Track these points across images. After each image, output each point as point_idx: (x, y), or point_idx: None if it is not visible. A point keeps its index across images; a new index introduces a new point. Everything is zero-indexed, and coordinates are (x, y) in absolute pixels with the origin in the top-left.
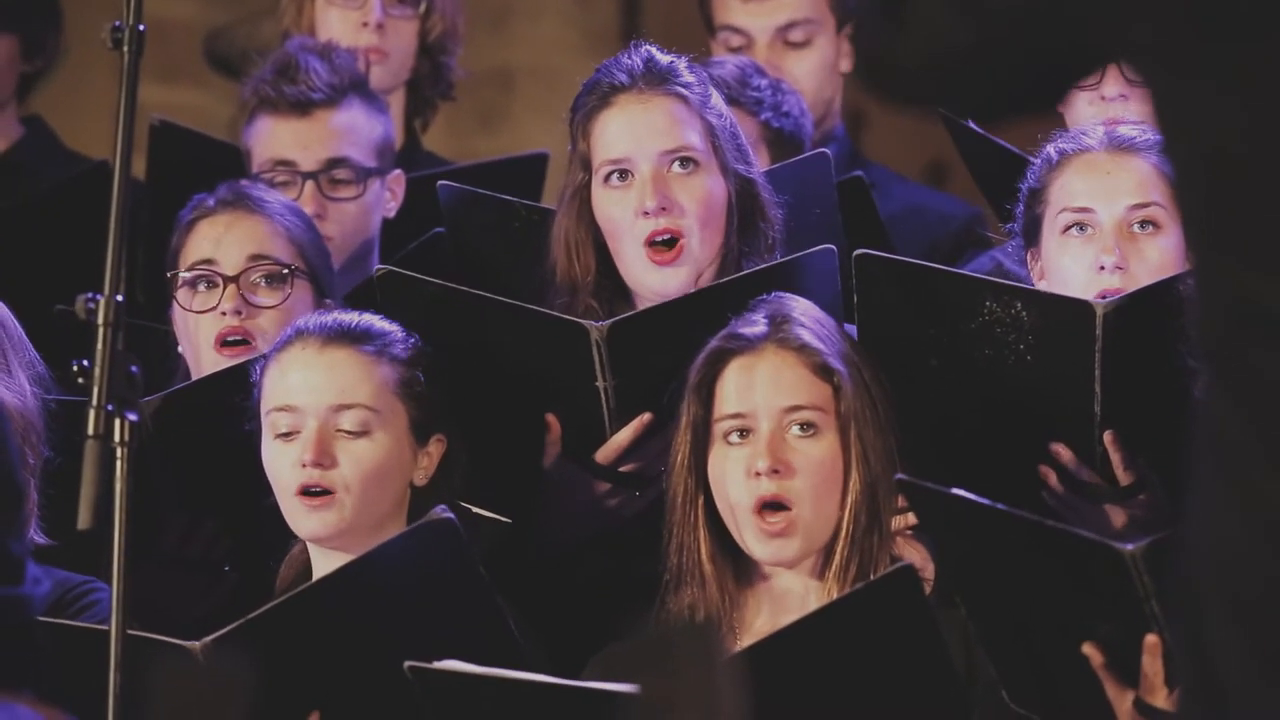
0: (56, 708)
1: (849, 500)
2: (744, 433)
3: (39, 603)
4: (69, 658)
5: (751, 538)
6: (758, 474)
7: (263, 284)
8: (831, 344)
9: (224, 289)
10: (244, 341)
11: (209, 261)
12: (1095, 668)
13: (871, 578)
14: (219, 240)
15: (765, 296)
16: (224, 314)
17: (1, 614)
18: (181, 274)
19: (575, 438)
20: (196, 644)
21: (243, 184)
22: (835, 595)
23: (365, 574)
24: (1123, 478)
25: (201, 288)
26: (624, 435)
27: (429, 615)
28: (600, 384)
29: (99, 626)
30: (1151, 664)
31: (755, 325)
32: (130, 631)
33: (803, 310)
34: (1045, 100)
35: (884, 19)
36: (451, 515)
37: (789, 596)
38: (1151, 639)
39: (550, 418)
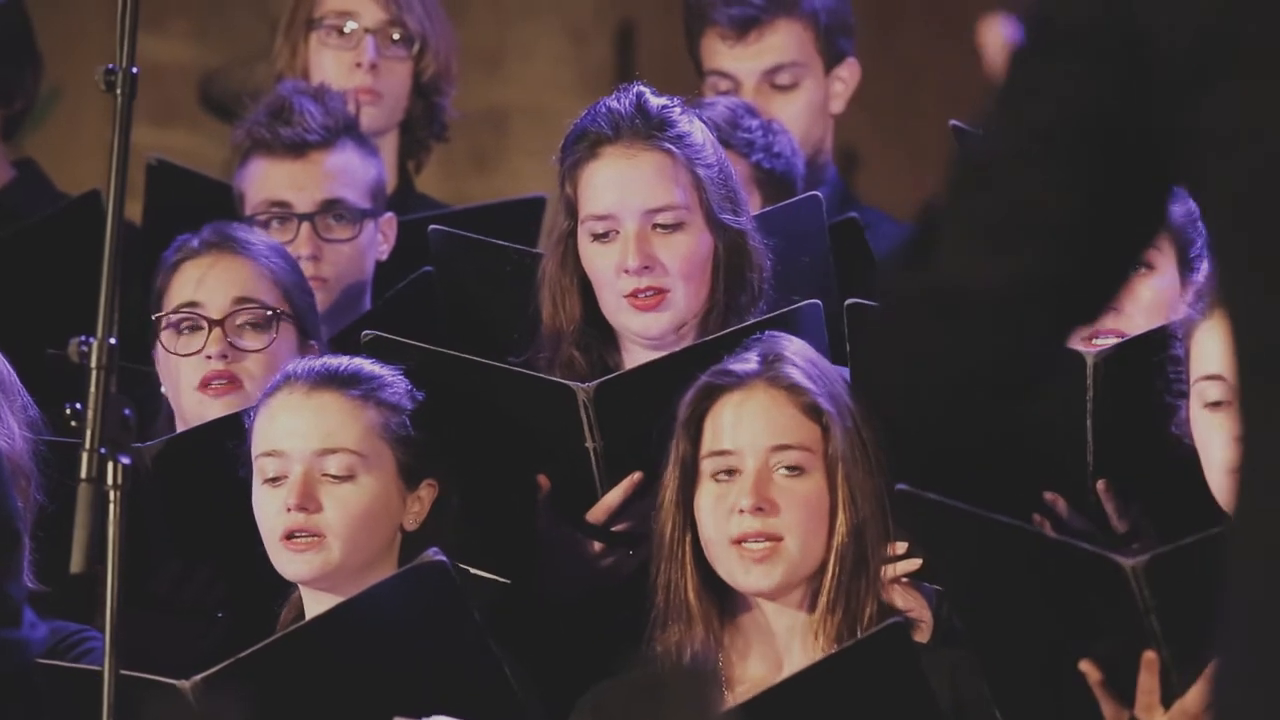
0: None
1: (835, 541)
2: (730, 470)
3: (37, 646)
4: (63, 700)
5: (733, 568)
6: (740, 511)
7: (248, 327)
8: (822, 384)
9: (209, 332)
10: (230, 384)
11: (193, 304)
12: (1091, 685)
13: (859, 622)
14: (203, 283)
15: (759, 335)
16: (209, 358)
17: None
18: (166, 316)
19: (567, 497)
20: (186, 683)
21: (227, 225)
22: (821, 635)
23: (356, 615)
24: (1117, 526)
25: (185, 331)
26: (615, 495)
27: (420, 657)
28: (590, 444)
29: (92, 668)
30: (1148, 681)
31: (747, 363)
32: (122, 672)
33: (795, 350)
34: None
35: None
36: (444, 558)
37: (776, 633)
38: (1149, 655)
39: (541, 478)
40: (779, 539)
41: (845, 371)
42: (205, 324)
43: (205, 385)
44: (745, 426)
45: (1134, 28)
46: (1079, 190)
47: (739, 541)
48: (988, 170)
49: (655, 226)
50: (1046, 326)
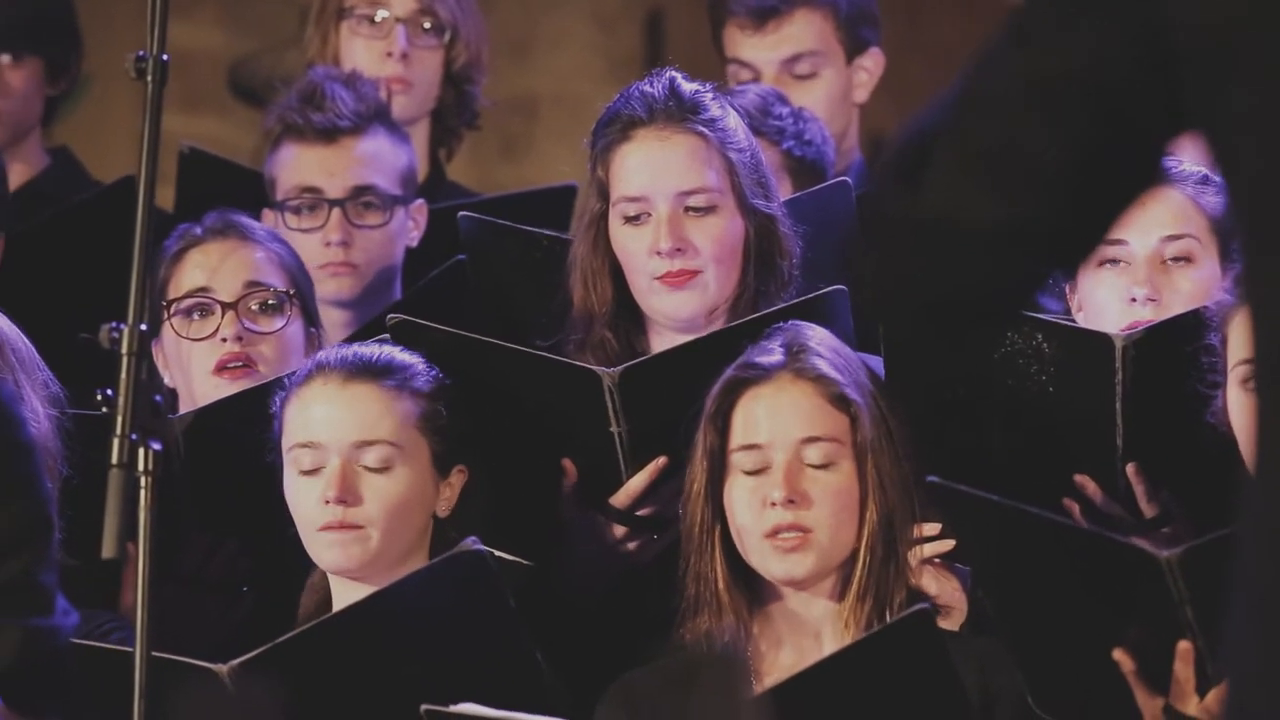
0: None
1: (865, 530)
2: (761, 464)
3: (70, 633)
4: (96, 682)
5: (766, 559)
6: (773, 504)
7: (260, 310)
8: (848, 373)
9: (222, 316)
10: (245, 367)
11: (205, 289)
12: (1125, 674)
13: (888, 610)
14: (212, 268)
15: (782, 325)
16: (224, 340)
17: (33, 643)
18: (177, 302)
19: (592, 482)
20: (224, 667)
21: (230, 212)
22: (851, 623)
23: (395, 603)
24: (1146, 510)
25: (196, 316)
26: (640, 480)
27: (457, 645)
28: (614, 429)
29: (124, 649)
30: (1183, 670)
31: (772, 354)
32: (156, 654)
33: (820, 339)
34: (1069, 269)
35: (897, 192)
36: (482, 547)
37: (806, 622)
38: (1184, 645)
39: (566, 462)
40: (810, 530)
41: (873, 359)
42: (218, 308)
43: (221, 369)
44: (774, 420)
45: (1162, 7)
46: (1076, 146)
47: (772, 534)
48: (991, 103)
49: (688, 209)
50: (1028, 268)
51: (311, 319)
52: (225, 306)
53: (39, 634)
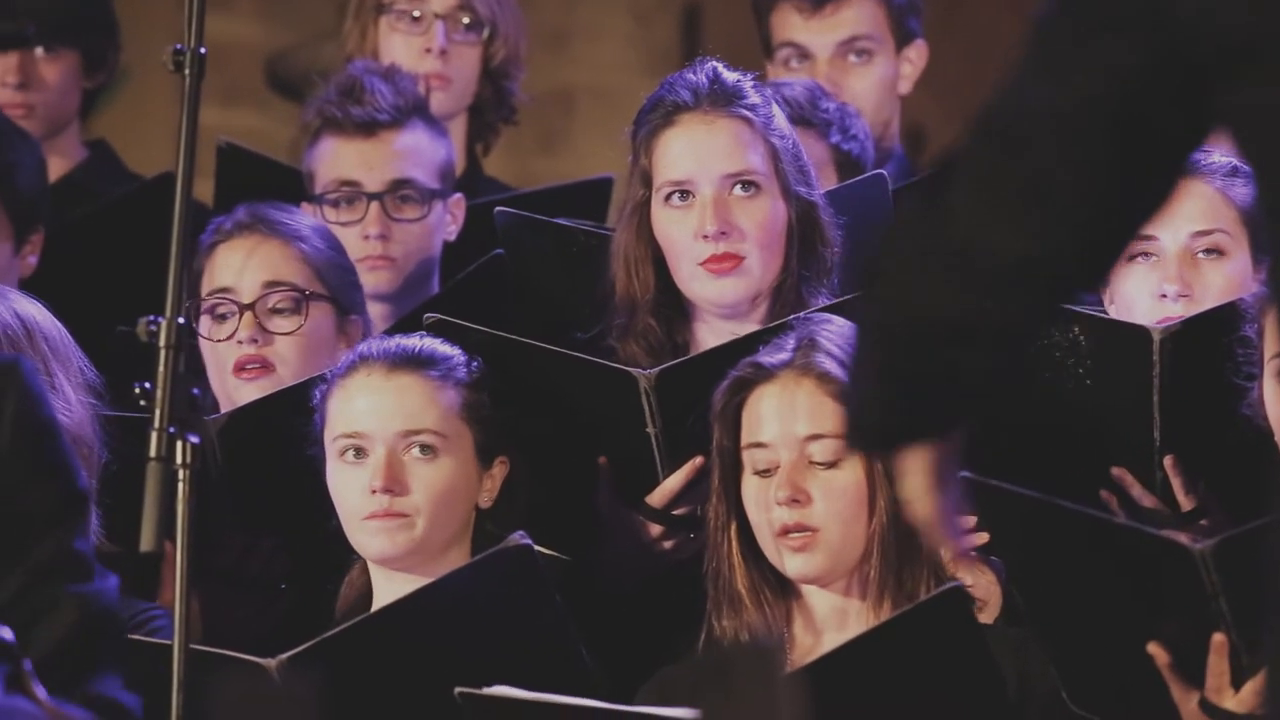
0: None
1: (874, 525)
2: (768, 463)
3: (113, 592)
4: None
5: (779, 556)
6: (778, 503)
7: (278, 310)
8: None
9: (240, 317)
10: (262, 369)
11: (225, 290)
12: (1160, 667)
13: (918, 596)
14: (234, 267)
15: (802, 315)
16: (240, 342)
17: (88, 608)
18: (201, 302)
19: (628, 480)
20: (272, 661)
21: (260, 206)
22: (874, 614)
23: (442, 597)
24: (1184, 503)
25: (218, 316)
26: (676, 479)
27: (503, 639)
28: (650, 429)
29: (163, 642)
30: (1218, 663)
31: (779, 352)
32: (203, 648)
33: (834, 333)
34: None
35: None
36: (529, 542)
37: (828, 616)
38: (1218, 638)
39: (603, 461)
40: (816, 529)
41: None
42: (236, 309)
43: (239, 369)
44: (778, 419)
45: (1175, 13)
46: (1099, 171)
47: (781, 533)
48: (1018, 129)
49: (732, 193)
50: (1046, 301)
51: (348, 309)
52: (243, 308)
53: (90, 598)
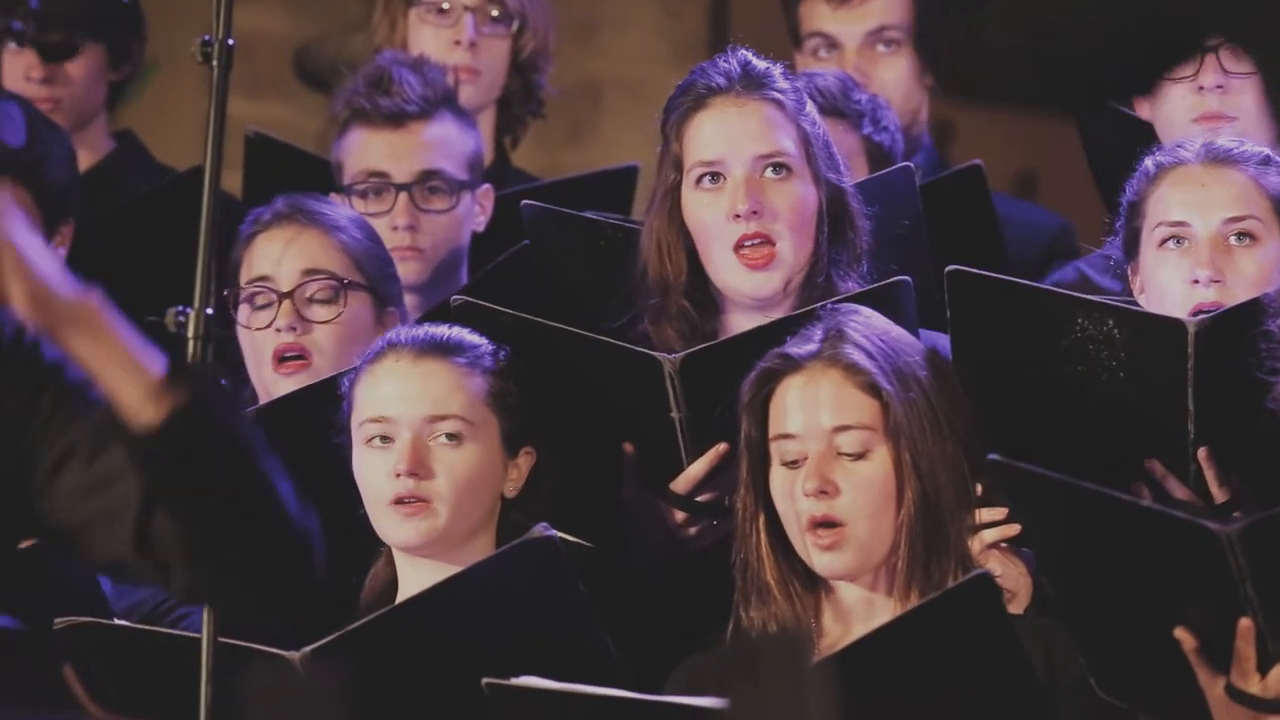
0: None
1: (902, 517)
2: (796, 454)
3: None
4: (164, 666)
5: (808, 551)
6: (806, 495)
7: (317, 299)
8: (885, 358)
9: (279, 305)
10: (300, 358)
11: (264, 278)
12: (1186, 652)
13: (945, 588)
14: (273, 256)
15: (829, 305)
16: (279, 330)
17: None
18: (240, 291)
19: (652, 467)
20: (295, 654)
21: (299, 197)
22: (901, 605)
23: (466, 589)
24: (1217, 495)
25: (257, 305)
26: (700, 466)
27: (528, 630)
28: (675, 415)
29: (191, 634)
30: (1244, 648)
31: (807, 343)
32: (228, 640)
33: (861, 324)
34: (1140, 85)
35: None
36: (554, 534)
37: (856, 607)
38: (1245, 623)
39: (627, 446)
40: (843, 523)
41: (940, 338)
42: (275, 297)
43: (278, 360)
44: (805, 410)
45: None
46: None
47: (810, 527)
48: None
49: (764, 174)
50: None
51: (386, 301)
52: (282, 296)
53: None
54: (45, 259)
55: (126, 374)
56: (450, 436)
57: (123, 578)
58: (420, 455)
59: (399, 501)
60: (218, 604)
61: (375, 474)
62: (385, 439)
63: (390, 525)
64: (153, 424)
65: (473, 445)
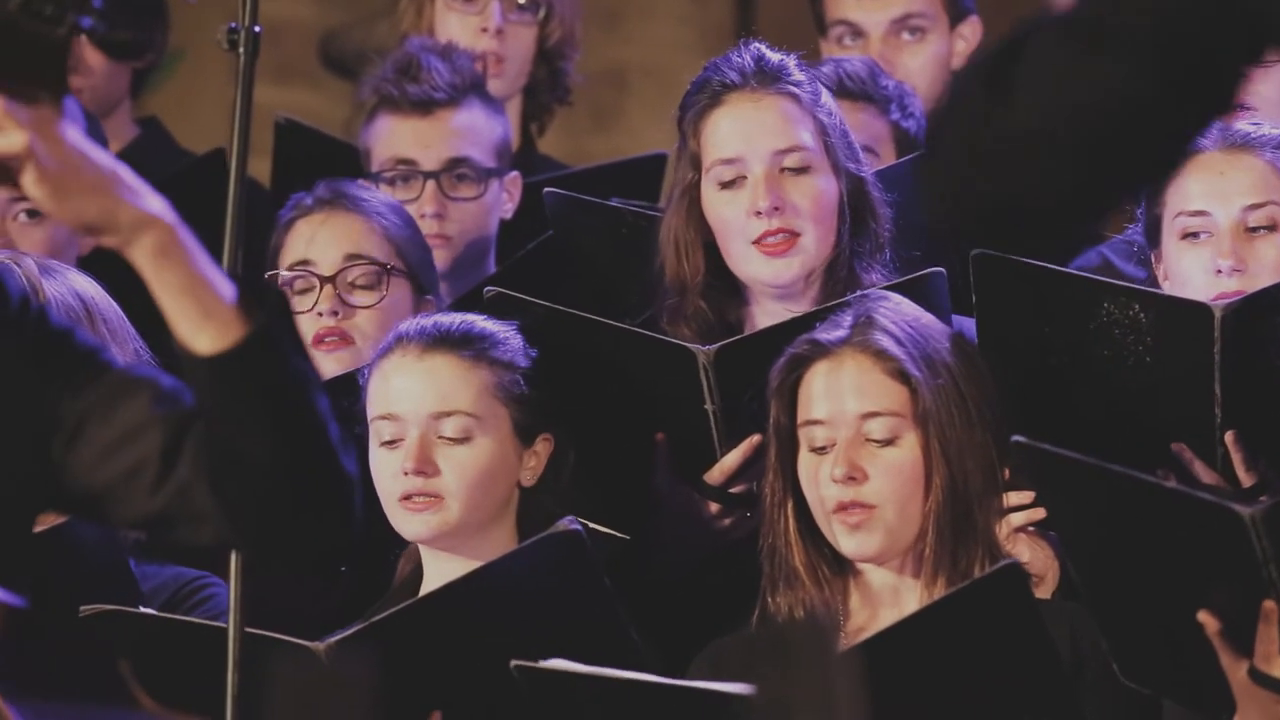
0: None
1: (930, 502)
2: (824, 440)
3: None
4: (189, 654)
5: (836, 534)
6: (834, 480)
7: (359, 284)
8: (914, 345)
9: (320, 289)
10: (342, 340)
11: (305, 262)
12: (1210, 635)
13: (971, 574)
14: (315, 240)
15: (861, 293)
16: (320, 314)
17: None
18: (280, 275)
19: (685, 458)
20: (320, 645)
21: (340, 182)
22: (928, 592)
23: (490, 582)
24: (1244, 479)
25: (299, 288)
26: (734, 457)
27: (552, 623)
28: (709, 406)
29: (218, 624)
30: (1267, 631)
31: (836, 329)
32: (252, 630)
33: (890, 310)
34: (1173, 161)
35: (986, 99)
36: (578, 527)
37: (882, 592)
38: (1269, 605)
39: (660, 437)
40: (872, 506)
41: (966, 322)
42: (317, 281)
43: (318, 342)
44: (834, 396)
45: None
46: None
47: (838, 510)
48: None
49: (783, 170)
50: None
51: (423, 288)
52: (323, 280)
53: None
54: (121, 174)
55: (194, 298)
56: (457, 432)
57: (156, 535)
58: (427, 453)
59: (407, 498)
60: (254, 548)
61: (385, 471)
62: (394, 435)
63: (401, 520)
64: (214, 350)
65: (482, 439)
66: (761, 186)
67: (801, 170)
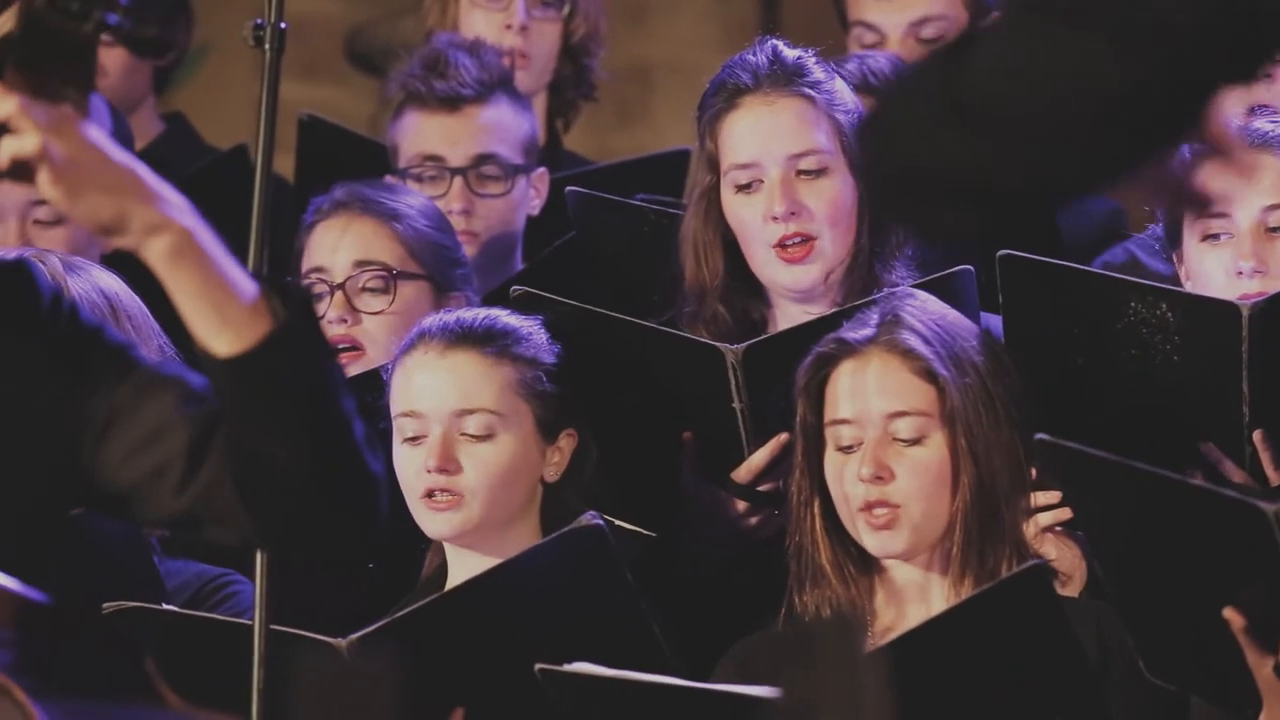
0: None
1: (958, 502)
2: (851, 439)
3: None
4: (212, 651)
5: (862, 533)
6: (861, 479)
7: (368, 289)
8: (941, 343)
9: (331, 297)
10: (353, 348)
11: (319, 269)
12: (1235, 632)
13: (999, 573)
14: (328, 247)
15: (888, 290)
16: (330, 322)
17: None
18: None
19: (713, 456)
20: (342, 641)
21: (359, 184)
22: (955, 591)
23: (512, 578)
24: (1273, 477)
25: (314, 295)
26: (761, 455)
27: (574, 619)
28: (736, 405)
29: (242, 621)
30: None
31: (863, 328)
32: (275, 627)
33: (917, 308)
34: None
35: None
36: (600, 522)
37: (908, 590)
38: None
39: (687, 436)
40: (898, 505)
41: (990, 319)
42: (329, 289)
43: None
44: (861, 395)
45: None
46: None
47: (865, 509)
48: None
49: (799, 173)
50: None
51: (447, 287)
52: (334, 287)
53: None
54: (140, 175)
55: (211, 301)
56: (480, 429)
57: (183, 535)
58: (449, 451)
59: (430, 495)
60: (279, 549)
61: (408, 468)
62: (417, 433)
63: (424, 518)
64: (232, 353)
65: (505, 436)
66: (777, 191)
67: (818, 173)
